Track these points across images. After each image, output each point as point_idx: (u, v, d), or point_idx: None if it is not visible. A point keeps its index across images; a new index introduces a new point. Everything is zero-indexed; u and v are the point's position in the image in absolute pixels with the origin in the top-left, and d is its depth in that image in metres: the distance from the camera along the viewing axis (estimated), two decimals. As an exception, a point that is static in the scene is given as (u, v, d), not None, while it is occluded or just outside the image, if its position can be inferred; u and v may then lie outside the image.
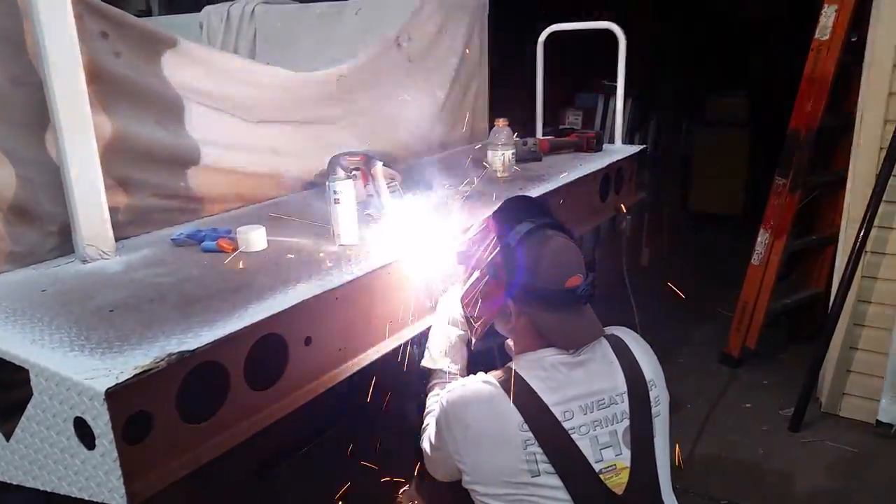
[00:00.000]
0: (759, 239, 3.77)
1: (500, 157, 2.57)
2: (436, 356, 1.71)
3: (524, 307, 1.46)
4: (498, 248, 1.48)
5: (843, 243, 3.31)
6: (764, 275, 3.76)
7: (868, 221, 3.09)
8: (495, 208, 1.56)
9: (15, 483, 1.28)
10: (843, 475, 3.00)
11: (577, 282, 1.43)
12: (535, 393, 1.37)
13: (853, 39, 3.40)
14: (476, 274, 1.55)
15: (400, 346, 1.73)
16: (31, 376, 1.16)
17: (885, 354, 3.21)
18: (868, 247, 3.17)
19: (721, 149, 6.38)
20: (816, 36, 3.48)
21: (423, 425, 1.63)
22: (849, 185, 3.29)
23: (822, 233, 3.88)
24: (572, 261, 1.45)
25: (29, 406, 1.19)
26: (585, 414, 1.37)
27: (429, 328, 1.77)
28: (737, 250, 4.14)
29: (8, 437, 1.25)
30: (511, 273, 1.45)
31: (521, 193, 1.70)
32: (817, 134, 3.57)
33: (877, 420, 3.26)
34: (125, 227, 1.85)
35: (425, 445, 1.58)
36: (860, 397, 3.36)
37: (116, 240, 1.72)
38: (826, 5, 3.44)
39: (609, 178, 2.89)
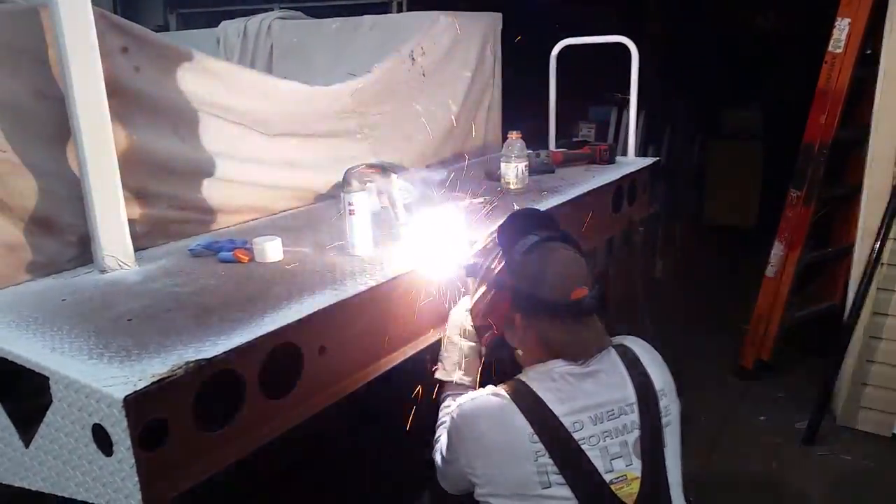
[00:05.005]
0: (773, 251, 3.75)
1: (514, 169, 2.59)
2: (448, 368, 1.72)
3: (531, 319, 1.47)
4: (504, 262, 1.50)
5: (859, 255, 3.29)
6: (778, 287, 3.74)
7: (883, 233, 3.08)
8: (502, 221, 1.58)
9: (34, 489, 1.30)
10: (858, 489, 2.97)
11: (583, 293, 1.43)
12: (545, 404, 1.37)
13: (867, 52, 3.40)
14: (484, 286, 1.56)
15: (413, 356, 1.75)
16: (51, 383, 1.18)
17: (902, 368, 3.18)
18: (883, 259, 3.15)
19: (735, 161, 6.37)
20: (830, 49, 3.48)
21: (436, 437, 1.64)
22: (864, 198, 3.27)
23: (836, 245, 3.85)
24: (577, 273, 1.46)
25: (48, 413, 1.21)
26: (595, 424, 1.38)
27: (441, 339, 1.78)
28: (751, 263, 4.11)
29: (28, 443, 1.27)
30: (517, 286, 1.46)
31: (527, 206, 1.71)
32: (832, 146, 3.56)
33: (893, 433, 3.23)
34: (143, 237, 1.88)
35: (437, 458, 1.59)
36: (876, 410, 3.32)
37: (135, 250, 1.74)
38: (839, 18, 3.43)
39: (622, 191, 2.90)
